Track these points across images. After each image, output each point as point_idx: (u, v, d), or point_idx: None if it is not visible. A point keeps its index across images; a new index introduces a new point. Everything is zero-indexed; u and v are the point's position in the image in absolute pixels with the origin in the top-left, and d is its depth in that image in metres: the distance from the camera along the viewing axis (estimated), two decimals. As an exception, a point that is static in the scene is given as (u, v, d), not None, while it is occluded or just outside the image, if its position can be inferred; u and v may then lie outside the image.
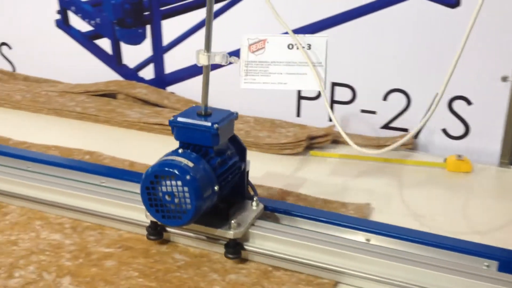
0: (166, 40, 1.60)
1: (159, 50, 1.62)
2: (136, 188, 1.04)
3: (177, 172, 0.83)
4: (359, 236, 0.92)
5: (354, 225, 0.93)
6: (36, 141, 1.35)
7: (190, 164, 0.85)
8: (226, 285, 0.84)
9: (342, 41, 1.38)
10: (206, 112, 0.92)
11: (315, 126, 1.44)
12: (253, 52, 0.93)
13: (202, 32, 1.55)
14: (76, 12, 1.69)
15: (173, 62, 1.63)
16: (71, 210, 1.02)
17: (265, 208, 0.97)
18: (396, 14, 1.33)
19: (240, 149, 0.98)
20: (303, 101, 1.49)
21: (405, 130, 1.41)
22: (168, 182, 0.84)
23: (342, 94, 1.45)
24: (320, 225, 0.95)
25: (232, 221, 0.89)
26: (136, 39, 1.63)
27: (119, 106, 1.58)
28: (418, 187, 1.20)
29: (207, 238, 0.93)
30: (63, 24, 1.72)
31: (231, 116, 0.94)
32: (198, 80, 1.59)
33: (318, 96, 1.47)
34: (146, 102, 1.61)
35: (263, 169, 1.24)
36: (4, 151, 1.17)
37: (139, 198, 0.88)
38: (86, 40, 1.71)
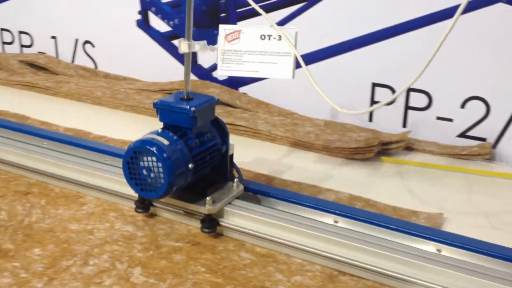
0: (241, 41, 1.62)
1: (234, 51, 1.65)
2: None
3: (152, 149, 0.91)
4: (430, 246, 0.89)
5: (425, 235, 0.90)
6: (114, 136, 1.41)
7: (166, 143, 0.93)
8: (291, 286, 0.84)
9: (419, 47, 1.35)
10: (188, 97, 0.99)
11: (387, 132, 1.42)
12: (229, 41, 1.01)
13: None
14: (156, 13, 1.74)
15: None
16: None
17: (246, 189, 1.03)
18: (477, 20, 1.29)
19: (222, 133, 1.04)
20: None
21: (483, 139, 1.36)
22: (145, 158, 0.92)
23: (418, 100, 1.41)
24: (302, 208, 0.98)
25: (207, 198, 0.96)
26: (212, 40, 1.66)
27: (193, 105, 1.61)
28: (493, 198, 1.15)
29: (185, 212, 1.00)
30: (143, 24, 1.78)
31: (210, 101, 1.00)
32: (270, 81, 1.60)
33: (393, 101, 1.44)
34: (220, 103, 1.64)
35: (332, 173, 1.23)
36: (84, 145, 1.22)
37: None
38: (164, 40, 1.76)
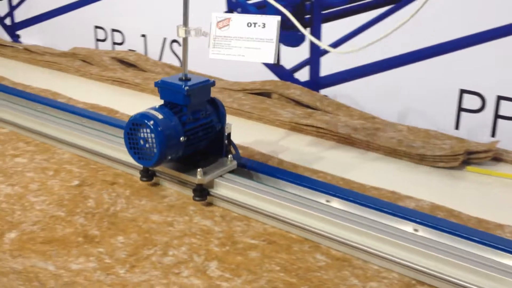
0: (324, 43, 1.62)
1: (316, 53, 1.64)
2: (286, 186, 1.07)
3: (147, 122, 1.02)
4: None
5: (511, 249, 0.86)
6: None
7: (160, 117, 1.03)
8: (365, 292, 0.83)
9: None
10: (185, 78, 1.10)
11: (474, 141, 1.36)
12: (220, 28, 1.11)
13: (361, 36, 1.54)
14: (241, 13, 1.77)
15: (329, 65, 1.64)
16: (221, 200, 1.07)
17: (244, 166, 1.14)
18: None
19: (219, 113, 1.14)
20: (463, 113, 1.41)
21: None
22: (142, 130, 1.03)
23: (509, 109, 1.35)
24: (380, 214, 0.97)
25: (199, 170, 1.06)
26: (295, 41, 1.66)
27: (273, 105, 1.62)
28: None
29: (179, 181, 1.11)
30: (228, 24, 1.82)
31: (206, 83, 1.11)
32: (352, 85, 1.58)
33: (481, 108, 1.38)
34: (298, 103, 1.64)
35: (413, 180, 1.20)
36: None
37: (285, 195, 0.96)
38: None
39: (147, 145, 1.04)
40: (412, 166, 1.28)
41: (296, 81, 1.71)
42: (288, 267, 0.88)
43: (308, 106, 1.62)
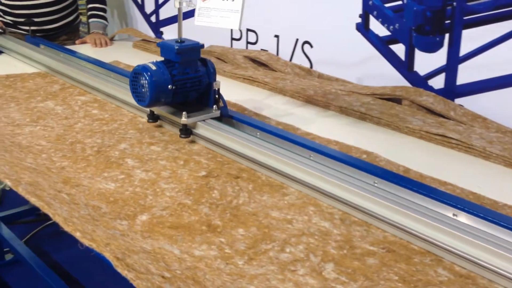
0: (463, 50, 1.54)
1: (454, 60, 1.57)
2: (409, 195, 1.03)
3: (143, 72, 1.31)
4: None
5: None
6: (320, 134, 1.44)
7: (154, 68, 1.32)
8: (490, 315, 0.78)
9: None
10: (180, 41, 1.38)
11: None
12: (203, 1, 1.44)
13: (505, 44, 1.44)
14: (377, 17, 1.74)
15: (467, 73, 1.55)
16: (343, 203, 1.06)
17: (230, 116, 1.40)
18: None
19: (208, 71, 1.40)
20: None
21: None
22: (140, 78, 1.32)
23: None
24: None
25: (184, 113, 1.34)
26: (432, 47, 1.60)
27: (402, 112, 1.58)
28: None
29: (171, 122, 1.42)
30: (362, 27, 1.80)
31: (196, 45, 1.39)
32: (491, 95, 1.49)
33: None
34: (430, 111, 1.58)
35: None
36: (292, 139, 1.28)
37: (404, 202, 0.96)
38: (382, 45, 1.75)
39: (143, 90, 1.33)
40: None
41: (430, 88, 1.65)
42: (407, 278, 0.85)
43: (440, 115, 1.55)
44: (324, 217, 1.04)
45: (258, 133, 1.32)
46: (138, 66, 1.33)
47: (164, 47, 1.38)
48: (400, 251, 0.93)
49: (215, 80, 1.40)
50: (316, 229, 1.00)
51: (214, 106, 1.40)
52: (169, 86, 1.32)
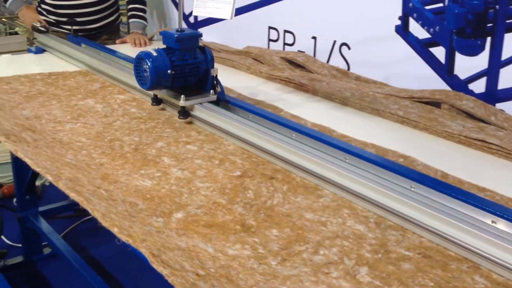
0: (505, 54, 1.50)
1: (496, 64, 1.53)
2: (447, 200, 1.02)
3: (145, 57, 1.44)
4: None
5: None
6: (356, 137, 1.43)
7: (155, 54, 1.44)
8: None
9: None
10: (180, 30, 1.50)
11: None
12: None
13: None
14: (416, 19, 1.72)
15: (509, 78, 1.52)
16: (378, 207, 1.05)
17: (219, 98, 1.52)
18: None
19: (207, 59, 1.53)
20: None
21: None
22: (143, 63, 1.44)
23: None
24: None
25: (182, 96, 1.46)
26: (473, 50, 1.57)
27: (441, 116, 1.55)
28: None
29: (171, 104, 1.56)
30: (402, 30, 1.77)
31: (195, 34, 1.51)
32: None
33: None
34: (470, 116, 1.55)
35: None
36: (328, 141, 1.27)
37: (441, 207, 0.95)
38: (421, 47, 1.73)
39: (145, 74, 1.45)
40: None
41: (470, 92, 1.61)
42: (442, 284, 0.84)
43: (480, 120, 1.52)
44: (359, 220, 1.03)
45: (293, 134, 1.32)
46: (141, 52, 1.46)
47: (166, 36, 1.51)
48: (437, 257, 0.92)
49: (213, 66, 1.52)
50: (350, 232, 0.99)
51: (211, 91, 1.52)
52: (168, 71, 1.45)
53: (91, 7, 2.56)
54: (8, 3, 2.60)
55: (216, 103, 1.51)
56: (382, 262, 0.90)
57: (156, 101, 1.60)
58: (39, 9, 2.63)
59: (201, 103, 1.49)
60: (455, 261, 0.91)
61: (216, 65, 1.54)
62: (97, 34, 2.65)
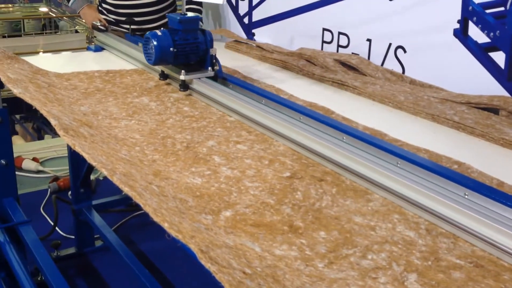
0: None
1: (559, 70, 1.47)
2: (502, 209, 0.98)
3: (150, 36, 1.69)
4: None
5: None
6: (410, 141, 1.41)
7: (160, 34, 1.68)
8: None
9: None
10: (184, 13, 1.76)
11: None
12: None
13: None
14: (476, 23, 1.67)
15: None
16: (430, 213, 1.03)
17: (217, 75, 1.75)
18: None
19: (206, 39, 1.75)
20: None
21: None
22: (149, 41, 1.70)
23: None
24: None
25: (182, 71, 1.70)
26: (535, 55, 1.52)
27: (499, 123, 1.50)
28: None
29: (173, 78, 1.79)
30: (461, 33, 1.73)
31: (196, 18, 1.77)
32: None
33: None
34: (530, 124, 1.49)
35: None
36: (379, 145, 1.25)
37: (496, 216, 0.93)
38: (480, 52, 1.68)
39: (151, 51, 1.69)
40: None
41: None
42: (495, 296, 0.82)
43: None
44: (409, 226, 1.01)
45: (344, 137, 1.31)
46: (149, 32, 1.71)
47: (170, 18, 1.74)
48: (489, 266, 0.89)
49: (211, 47, 1.74)
50: (400, 237, 0.97)
51: (209, 68, 1.74)
52: (171, 49, 1.68)
53: (150, 7, 2.62)
54: (71, 1, 2.69)
55: (214, 79, 1.74)
56: (432, 270, 0.88)
57: (163, 76, 1.83)
58: (100, 8, 2.71)
59: (199, 78, 1.72)
60: (508, 271, 0.88)
61: (267, 65, 1.55)
62: None
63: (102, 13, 2.69)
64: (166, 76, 1.82)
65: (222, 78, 1.74)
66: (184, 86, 1.72)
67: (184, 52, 1.71)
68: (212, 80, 1.72)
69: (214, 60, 1.74)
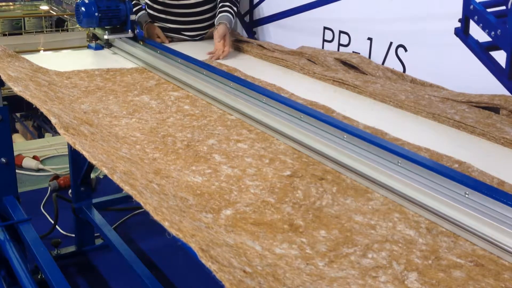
0: None
1: (560, 69, 1.47)
2: (503, 208, 0.98)
3: (80, 4, 2.15)
4: None
5: None
6: (410, 140, 1.40)
7: (87, 1, 2.14)
8: None
9: None
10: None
11: None
12: None
13: None
14: (477, 22, 1.67)
15: None
16: (430, 212, 1.03)
17: (137, 36, 2.26)
18: None
19: (127, 7, 2.22)
20: None
21: None
22: (79, 7, 2.15)
23: None
24: None
25: (106, 31, 2.23)
26: (536, 54, 1.51)
27: (500, 122, 1.50)
28: None
29: (101, 39, 2.30)
30: (461, 32, 1.73)
31: None
32: None
33: None
34: (531, 123, 1.49)
35: None
36: (380, 144, 1.25)
37: (496, 215, 0.91)
38: (481, 51, 1.68)
39: (81, 17, 2.15)
40: None
41: (531, 98, 1.55)
42: (495, 295, 0.82)
43: None
44: (410, 225, 1.01)
45: (345, 136, 1.31)
46: (78, 1, 2.14)
47: None
48: (489, 265, 0.89)
49: (131, 14, 2.21)
50: (400, 236, 0.97)
51: (129, 31, 2.23)
52: (95, 14, 2.14)
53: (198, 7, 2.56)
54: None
55: (135, 39, 2.22)
56: (432, 269, 0.88)
57: (94, 37, 2.34)
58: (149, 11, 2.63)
59: (120, 38, 2.23)
60: (509, 270, 0.88)
61: (269, 64, 1.54)
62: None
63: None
64: (96, 37, 2.34)
65: (142, 39, 2.24)
66: (109, 44, 2.27)
67: (107, 17, 2.18)
68: (132, 40, 2.22)
69: (134, 25, 2.23)
